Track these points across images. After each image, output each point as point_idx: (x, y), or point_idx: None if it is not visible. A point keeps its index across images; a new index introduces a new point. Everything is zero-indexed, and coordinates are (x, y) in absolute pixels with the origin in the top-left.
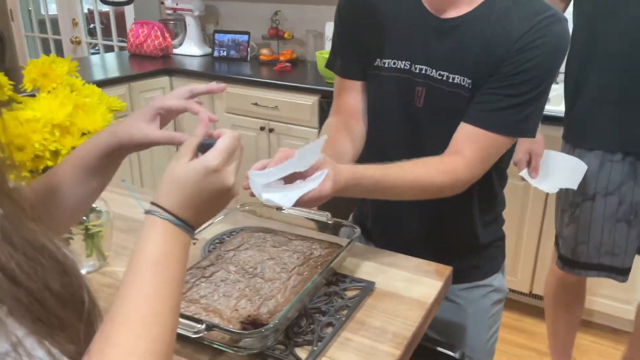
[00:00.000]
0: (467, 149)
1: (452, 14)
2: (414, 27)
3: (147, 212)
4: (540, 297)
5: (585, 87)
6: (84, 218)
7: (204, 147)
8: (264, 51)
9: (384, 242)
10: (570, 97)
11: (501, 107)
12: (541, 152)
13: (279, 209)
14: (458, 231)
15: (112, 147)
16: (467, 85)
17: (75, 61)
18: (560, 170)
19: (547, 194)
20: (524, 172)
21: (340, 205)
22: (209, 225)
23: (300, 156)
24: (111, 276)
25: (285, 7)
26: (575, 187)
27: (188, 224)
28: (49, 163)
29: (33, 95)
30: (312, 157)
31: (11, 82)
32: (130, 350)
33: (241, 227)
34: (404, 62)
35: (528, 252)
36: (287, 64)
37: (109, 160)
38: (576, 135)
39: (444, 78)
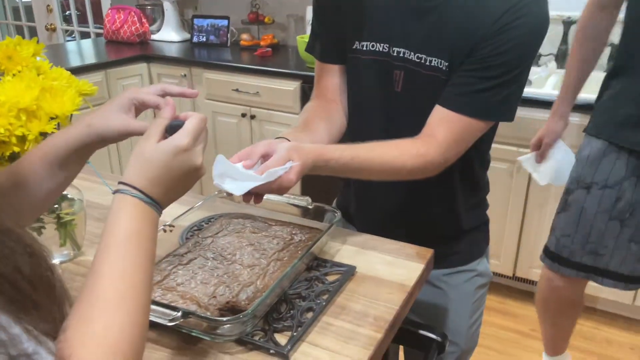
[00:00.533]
0: (440, 131)
1: None
2: (392, 8)
3: (116, 191)
4: (523, 280)
5: (618, 79)
6: (56, 206)
7: (171, 128)
8: (244, 36)
9: (366, 226)
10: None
11: (477, 89)
12: (551, 140)
13: (229, 194)
14: (441, 215)
15: (87, 140)
16: (444, 67)
17: (41, 43)
18: (556, 163)
19: (530, 178)
20: (522, 157)
21: (324, 190)
22: (187, 212)
23: (267, 176)
24: (86, 265)
25: None
26: (557, 183)
27: (157, 202)
28: (15, 149)
29: None
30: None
31: None
32: (109, 324)
33: (220, 213)
34: (382, 44)
35: (511, 236)
36: (268, 49)
37: (80, 154)
38: (591, 122)
39: (422, 61)
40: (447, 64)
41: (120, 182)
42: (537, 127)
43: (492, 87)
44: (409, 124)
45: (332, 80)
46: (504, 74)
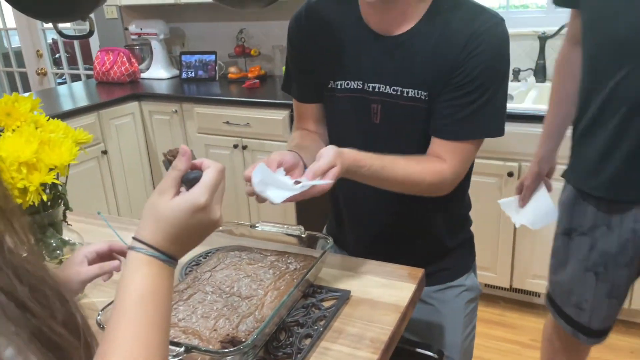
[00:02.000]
0: (447, 157)
1: (396, 31)
2: (361, 48)
3: (131, 248)
4: (520, 291)
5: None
6: (58, 252)
7: (189, 181)
8: (232, 69)
9: (357, 249)
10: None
11: (465, 115)
12: (531, 183)
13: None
14: (427, 234)
15: None
16: (423, 97)
17: (38, 98)
18: (534, 206)
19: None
20: (503, 200)
21: (313, 218)
22: None
23: (303, 186)
24: (89, 307)
25: (250, 24)
26: (533, 227)
27: (174, 258)
28: (18, 200)
29: None
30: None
31: None
32: None
33: (217, 247)
34: (356, 82)
35: (505, 248)
36: (256, 81)
37: None
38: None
39: (399, 93)
40: (425, 93)
41: (134, 239)
42: (518, 140)
43: (477, 110)
44: (390, 152)
45: (311, 117)
46: (483, 94)
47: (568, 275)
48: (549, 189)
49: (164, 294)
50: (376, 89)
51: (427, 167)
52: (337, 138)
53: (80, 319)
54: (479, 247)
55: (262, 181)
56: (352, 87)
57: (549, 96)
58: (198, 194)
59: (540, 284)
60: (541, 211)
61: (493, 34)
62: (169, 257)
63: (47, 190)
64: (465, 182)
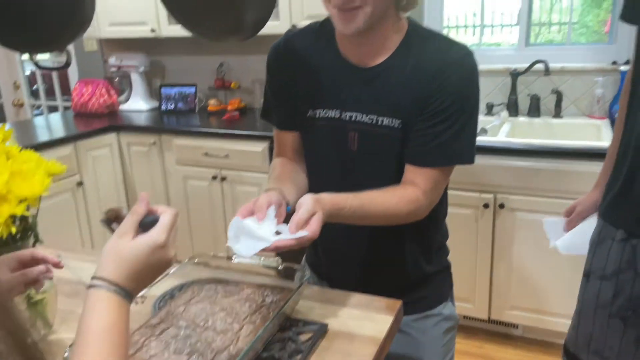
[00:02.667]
0: (419, 182)
1: (371, 63)
2: (339, 78)
3: (91, 286)
4: (498, 322)
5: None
6: None
7: (146, 224)
8: (212, 102)
9: (335, 279)
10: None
11: (437, 143)
12: (583, 209)
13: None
14: (404, 262)
15: None
16: (397, 125)
17: (10, 129)
18: (576, 233)
19: (494, 220)
20: (548, 219)
21: (294, 249)
22: (159, 280)
23: (280, 238)
24: (57, 344)
25: (230, 58)
26: (563, 251)
27: (132, 295)
28: None
29: None
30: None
31: None
32: None
33: (192, 280)
34: (334, 110)
35: (482, 279)
36: (236, 113)
37: None
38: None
39: (374, 122)
40: (399, 121)
41: (94, 277)
42: (493, 173)
43: (449, 138)
44: (366, 180)
45: (290, 145)
46: (454, 123)
47: (588, 321)
48: None
49: (123, 327)
50: (353, 118)
51: (403, 197)
52: (315, 167)
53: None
54: (456, 278)
55: (236, 235)
56: (330, 115)
57: (615, 125)
58: (158, 233)
59: (518, 315)
60: (579, 240)
61: (462, 65)
62: (127, 292)
63: (17, 222)
64: (440, 207)
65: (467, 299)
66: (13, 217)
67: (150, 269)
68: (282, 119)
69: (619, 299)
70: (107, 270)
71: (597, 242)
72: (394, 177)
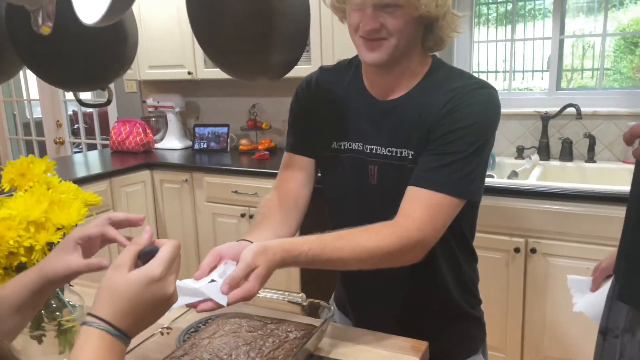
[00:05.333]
0: (414, 209)
1: (391, 96)
2: (362, 111)
3: (84, 323)
4: None
5: None
6: (57, 313)
7: (144, 255)
8: (243, 141)
9: (361, 320)
10: None
11: (439, 165)
12: (607, 268)
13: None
14: (431, 307)
15: (40, 284)
16: (410, 156)
17: (52, 160)
18: (601, 296)
19: (526, 265)
20: (573, 277)
21: (322, 284)
22: (184, 313)
23: (210, 290)
24: None
25: (262, 100)
26: (591, 316)
27: (125, 334)
28: (23, 259)
29: (11, 195)
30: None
31: None
32: None
33: (217, 314)
34: (357, 143)
35: (514, 327)
36: (266, 152)
37: (36, 297)
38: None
39: (393, 153)
40: (412, 152)
41: (88, 314)
42: (524, 216)
43: (451, 163)
44: (383, 214)
45: (299, 172)
46: (461, 151)
47: None
48: None
49: None
50: (373, 151)
51: (378, 232)
52: (335, 198)
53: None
54: (487, 324)
55: (181, 291)
56: (353, 147)
57: None
58: (154, 266)
59: None
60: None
61: (476, 95)
62: (120, 332)
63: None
64: (470, 250)
65: (499, 348)
66: (49, 244)
67: (146, 304)
68: (297, 144)
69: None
70: (100, 306)
71: (612, 297)
72: None
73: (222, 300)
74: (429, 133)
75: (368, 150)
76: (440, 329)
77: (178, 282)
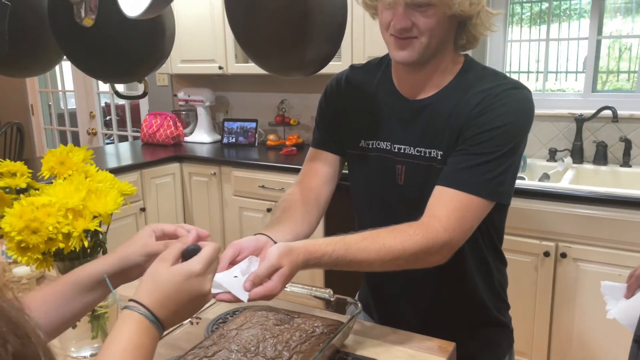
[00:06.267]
0: (440, 209)
1: (421, 96)
2: (391, 111)
3: (125, 307)
4: None
5: None
6: None
7: (187, 253)
8: (271, 137)
9: (385, 321)
10: None
11: (469, 165)
12: None
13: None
14: (457, 309)
15: (119, 266)
16: (439, 157)
17: (90, 150)
18: (635, 303)
19: (555, 269)
20: (607, 282)
21: (348, 282)
22: (213, 304)
23: (231, 285)
24: None
25: (291, 96)
26: (625, 323)
27: (161, 322)
28: (61, 245)
29: (50, 183)
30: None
31: (29, 170)
32: None
33: (244, 306)
34: (385, 142)
35: (540, 332)
36: (293, 148)
37: (111, 279)
38: None
39: (422, 154)
40: (441, 152)
41: (130, 300)
42: (555, 220)
43: (481, 164)
44: (408, 215)
45: (323, 168)
46: (491, 152)
47: None
48: None
49: (146, 352)
50: (401, 150)
51: (403, 232)
52: (361, 197)
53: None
54: (513, 329)
55: (217, 284)
56: (381, 147)
57: None
58: (195, 262)
59: None
60: (637, 310)
61: (510, 95)
62: (156, 319)
63: (89, 237)
64: (499, 252)
65: (524, 353)
66: (86, 232)
67: (183, 297)
68: (323, 139)
69: None
70: (142, 293)
71: None
72: None
73: (243, 296)
74: (459, 134)
75: (396, 150)
76: (467, 333)
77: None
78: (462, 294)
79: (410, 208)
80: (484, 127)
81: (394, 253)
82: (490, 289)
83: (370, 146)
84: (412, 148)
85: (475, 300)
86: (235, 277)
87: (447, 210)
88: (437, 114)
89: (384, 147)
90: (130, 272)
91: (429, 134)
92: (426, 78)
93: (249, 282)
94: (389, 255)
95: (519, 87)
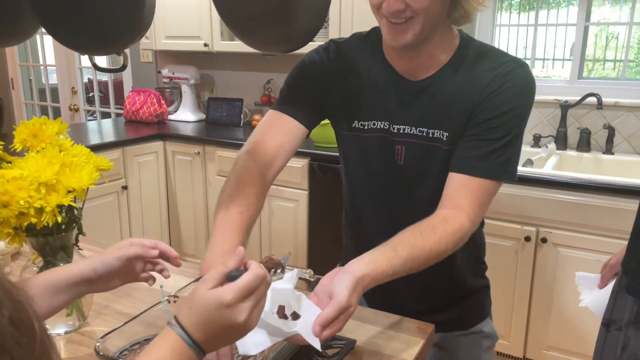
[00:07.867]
0: (463, 200)
1: (421, 76)
2: (387, 90)
3: (168, 323)
4: None
5: None
6: None
7: (231, 277)
8: (257, 116)
9: (374, 297)
10: None
11: (486, 152)
12: (615, 265)
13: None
14: (443, 279)
15: (93, 267)
16: (444, 138)
17: (65, 122)
18: (606, 291)
19: (535, 254)
20: (581, 273)
21: (327, 258)
22: (192, 283)
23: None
24: (89, 336)
25: (277, 75)
26: (596, 312)
27: (198, 345)
28: (33, 220)
29: (24, 155)
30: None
31: (1, 143)
32: None
33: None
34: (382, 122)
35: (519, 315)
36: None
37: (76, 289)
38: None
39: (424, 134)
40: (447, 134)
41: (174, 316)
42: (536, 205)
43: (497, 149)
44: (408, 195)
45: (285, 136)
46: (505, 136)
47: None
48: None
49: None
50: (401, 130)
51: (444, 232)
52: (357, 178)
53: (37, 325)
54: (492, 312)
55: (267, 328)
56: (378, 127)
57: None
58: (225, 291)
59: (554, 356)
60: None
61: (517, 75)
62: (193, 341)
63: (63, 213)
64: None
65: (502, 335)
66: (60, 207)
67: (217, 325)
68: (298, 106)
69: (625, 352)
70: (182, 312)
71: (617, 290)
72: (437, 191)
73: (315, 342)
74: (470, 116)
75: (395, 130)
76: (456, 299)
77: (266, 317)
78: (451, 268)
79: (411, 187)
80: (496, 110)
81: (439, 253)
82: (477, 250)
83: (366, 127)
84: (413, 128)
85: (454, 269)
86: (284, 315)
87: (470, 199)
88: (441, 94)
89: (382, 126)
90: (107, 278)
91: (432, 114)
92: (423, 58)
93: (319, 327)
94: (435, 257)
95: (522, 64)
